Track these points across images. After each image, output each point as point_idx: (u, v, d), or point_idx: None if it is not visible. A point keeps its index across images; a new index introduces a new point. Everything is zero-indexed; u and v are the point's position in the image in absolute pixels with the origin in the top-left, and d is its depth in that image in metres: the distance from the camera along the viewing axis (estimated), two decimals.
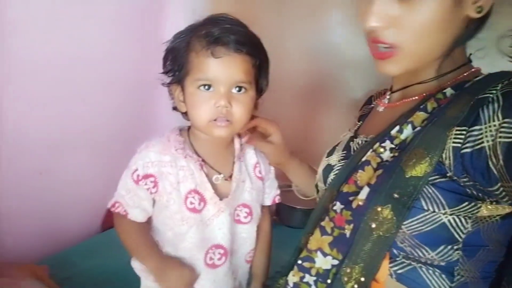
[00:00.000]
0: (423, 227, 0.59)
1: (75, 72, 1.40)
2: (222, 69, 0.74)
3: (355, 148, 0.74)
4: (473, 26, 0.64)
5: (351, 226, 0.63)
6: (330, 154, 0.83)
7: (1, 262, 1.13)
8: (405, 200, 0.59)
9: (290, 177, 1.02)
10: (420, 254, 0.61)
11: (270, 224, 0.98)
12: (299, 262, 0.69)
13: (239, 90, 0.78)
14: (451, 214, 0.59)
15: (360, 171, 0.66)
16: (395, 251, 0.62)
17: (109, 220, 1.55)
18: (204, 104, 0.76)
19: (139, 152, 0.83)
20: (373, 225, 0.60)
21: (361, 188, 0.64)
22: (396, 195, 0.59)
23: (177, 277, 0.79)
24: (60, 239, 1.38)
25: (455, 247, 0.60)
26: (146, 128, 1.74)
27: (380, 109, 0.76)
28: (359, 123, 0.84)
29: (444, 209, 0.58)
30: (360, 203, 0.63)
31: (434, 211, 0.59)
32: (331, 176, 0.76)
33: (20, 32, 1.19)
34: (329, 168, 0.79)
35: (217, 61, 0.74)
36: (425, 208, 0.59)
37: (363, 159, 0.67)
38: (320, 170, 0.83)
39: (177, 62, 0.80)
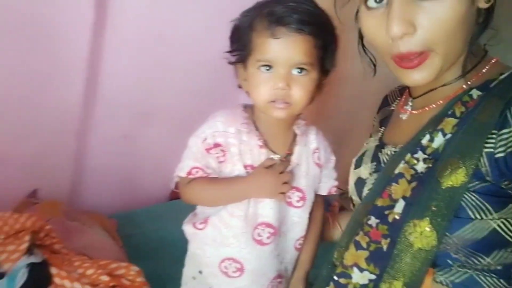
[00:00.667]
0: (475, 236, 0.58)
1: (167, 49, 1.49)
2: (281, 50, 0.74)
3: (385, 160, 0.72)
4: (483, 18, 0.62)
5: (388, 240, 0.63)
6: (357, 165, 0.79)
7: (76, 208, 1.26)
8: (444, 213, 0.58)
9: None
10: (476, 261, 0.60)
11: (322, 214, 0.95)
12: (335, 278, 0.69)
13: (300, 72, 0.76)
14: (499, 218, 0.58)
15: (394, 184, 0.64)
16: (449, 261, 0.61)
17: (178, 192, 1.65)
18: (264, 85, 0.76)
19: (207, 121, 0.86)
20: (412, 239, 0.59)
21: (395, 201, 0.63)
22: (433, 208, 0.58)
23: (271, 175, 0.79)
24: (132, 199, 1.50)
25: (509, 249, 0.60)
26: (226, 107, 1.79)
27: (404, 116, 0.73)
28: (382, 129, 0.79)
29: (491, 214, 0.57)
30: (396, 216, 0.62)
31: (482, 218, 0.57)
32: (365, 190, 0.73)
33: (122, 11, 1.30)
34: (360, 181, 0.76)
35: (277, 41, 0.73)
36: (472, 217, 0.58)
37: (396, 171, 0.65)
38: (351, 183, 0.80)
39: (240, 41, 0.80)
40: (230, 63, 0.85)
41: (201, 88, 1.67)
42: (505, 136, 0.55)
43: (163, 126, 1.58)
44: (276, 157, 0.84)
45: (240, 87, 0.88)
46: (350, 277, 0.67)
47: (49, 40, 1.17)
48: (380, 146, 0.75)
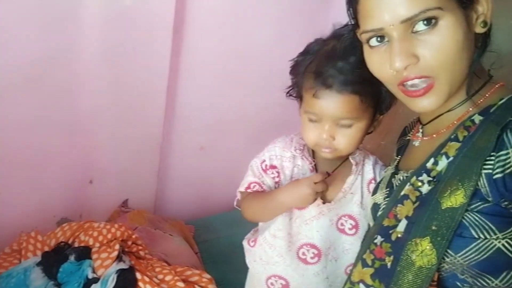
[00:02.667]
0: (479, 256, 0.59)
1: (240, 64, 1.59)
2: (325, 108, 0.78)
3: (397, 184, 0.74)
4: (480, 43, 0.63)
5: (391, 257, 0.65)
6: (375, 192, 0.81)
7: (159, 216, 1.42)
8: (444, 232, 0.59)
9: None
10: (484, 283, 0.60)
11: None
12: None
13: (345, 124, 0.80)
14: (503, 238, 0.58)
15: (399, 205, 0.67)
16: (458, 283, 0.61)
17: None
18: (311, 132, 0.82)
19: (268, 147, 0.94)
20: (414, 257, 0.61)
21: (400, 221, 0.65)
22: (434, 227, 0.60)
23: (304, 184, 0.81)
24: (209, 206, 1.63)
25: None
26: (296, 122, 1.82)
27: (416, 143, 0.75)
28: (398, 158, 0.80)
29: (495, 234, 0.58)
30: (399, 235, 0.64)
31: (486, 238, 0.58)
32: (379, 213, 0.74)
33: (195, 28, 1.41)
34: (376, 206, 0.77)
35: (320, 101, 0.77)
36: (476, 236, 0.58)
37: (402, 193, 0.68)
38: (368, 209, 0.82)
39: (295, 83, 0.86)
40: (289, 96, 0.91)
41: (273, 102, 1.72)
42: (503, 157, 0.56)
43: (237, 138, 1.68)
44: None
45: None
46: None
47: (133, 68, 1.33)
48: (395, 173, 0.77)
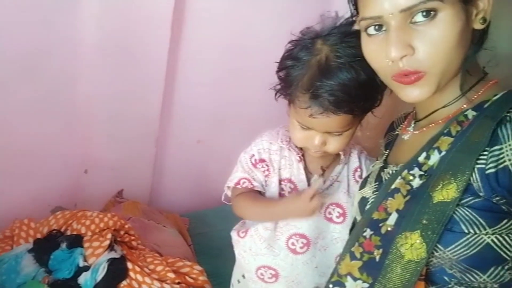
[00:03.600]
0: (468, 251, 0.59)
1: (238, 59, 1.58)
2: (319, 125, 0.79)
3: (386, 178, 0.73)
4: (477, 39, 0.63)
5: (380, 251, 0.65)
6: (362, 186, 0.80)
7: (153, 208, 1.42)
8: (434, 226, 0.59)
9: None
10: (472, 278, 0.60)
11: None
12: (330, 286, 0.73)
13: (337, 134, 0.81)
14: (493, 234, 0.58)
15: (390, 198, 0.66)
16: (446, 278, 0.62)
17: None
18: (301, 138, 0.83)
19: (255, 141, 0.95)
20: (403, 250, 0.61)
21: (390, 214, 0.65)
22: (424, 221, 0.60)
23: (301, 202, 0.81)
24: (204, 199, 1.62)
25: (506, 267, 0.60)
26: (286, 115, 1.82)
27: (405, 137, 0.75)
28: (386, 152, 0.80)
29: (485, 229, 0.58)
30: (389, 228, 0.64)
31: (475, 233, 0.58)
32: (367, 207, 0.74)
33: (194, 21, 1.41)
34: (364, 200, 0.77)
35: (315, 120, 0.77)
36: (466, 231, 0.59)
37: (393, 186, 0.67)
38: (355, 203, 0.81)
39: (286, 85, 0.82)
40: (276, 93, 0.87)
41: (271, 96, 1.71)
42: (496, 152, 0.56)
43: (234, 132, 1.68)
44: (316, 175, 0.88)
45: None
46: (344, 286, 0.70)
47: (131, 59, 1.33)
48: (383, 167, 0.77)
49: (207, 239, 1.43)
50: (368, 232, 0.68)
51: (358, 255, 0.69)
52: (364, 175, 0.91)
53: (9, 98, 1.18)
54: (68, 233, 1.11)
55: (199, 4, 1.39)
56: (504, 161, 0.55)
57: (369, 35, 0.65)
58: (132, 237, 1.17)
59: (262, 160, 0.90)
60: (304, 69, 0.78)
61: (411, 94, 0.64)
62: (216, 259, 1.31)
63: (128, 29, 1.27)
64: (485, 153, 0.57)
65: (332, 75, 0.74)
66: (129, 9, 1.24)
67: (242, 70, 1.61)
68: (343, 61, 0.74)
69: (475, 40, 0.63)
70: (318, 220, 0.88)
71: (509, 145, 0.56)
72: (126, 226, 1.16)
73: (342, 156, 0.90)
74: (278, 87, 0.85)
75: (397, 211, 0.64)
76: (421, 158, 0.65)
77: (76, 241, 1.07)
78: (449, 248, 0.59)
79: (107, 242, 1.06)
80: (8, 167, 1.26)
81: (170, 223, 1.37)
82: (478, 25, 0.62)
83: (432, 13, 0.58)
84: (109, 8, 1.20)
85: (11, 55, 1.14)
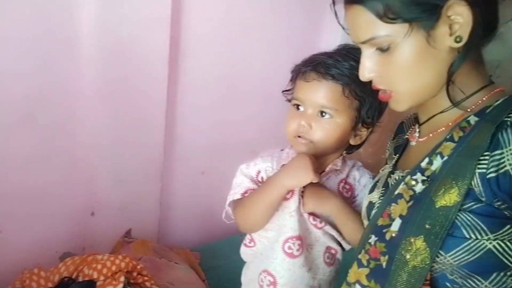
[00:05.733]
0: (469, 256, 0.59)
1: (236, 87, 1.60)
2: (309, 92, 0.82)
3: (392, 184, 0.75)
4: (464, 51, 0.64)
5: (386, 257, 0.65)
6: (371, 191, 0.81)
7: (164, 245, 1.39)
8: (437, 231, 0.59)
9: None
10: (473, 284, 0.60)
11: None
12: None
13: (323, 115, 0.82)
14: (495, 239, 0.58)
15: (393, 204, 0.68)
16: (448, 284, 0.61)
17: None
18: (292, 120, 0.85)
19: (262, 155, 0.95)
20: (408, 256, 0.61)
21: (393, 220, 0.66)
22: (427, 226, 0.60)
23: (298, 164, 0.81)
24: (213, 231, 1.60)
25: (508, 273, 0.59)
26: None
27: (413, 143, 0.77)
28: (395, 157, 0.81)
29: (486, 235, 0.58)
30: (393, 234, 0.65)
31: (477, 238, 0.58)
32: (373, 212, 0.75)
33: (190, 55, 1.43)
34: (371, 205, 0.78)
35: (307, 84, 0.82)
36: (467, 236, 0.59)
37: (396, 192, 0.69)
38: (363, 207, 0.82)
39: (291, 83, 0.89)
40: (287, 100, 0.92)
41: (271, 121, 1.73)
42: (497, 157, 0.57)
43: (237, 160, 1.67)
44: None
45: None
46: None
47: (131, 98, 1.33)
48: (391, 172, 0.78)
49: (221, 272, 1.40)
50: (373, 239, 0.69)
51: (365, 262, 0.69)
52: (356, 187, 0.93)
53: (9, 144, 1.17)
54: (80, 279, 1.08)
55: (194, 38, 1.42)
56: (505, 166, 0.56)
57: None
58: (146, 278, 1.14)
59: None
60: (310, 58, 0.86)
61: (391, 105, 0.72)
62: None
63: (127, 69, 1.28)
64: (486, 157, 0.58)
65: (337, 53, 0.83)
66: (127, 49, 1.26)
67: (241, 99, 1.62)
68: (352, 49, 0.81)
69: (462, 52, 0.64)
70: (301, 218, 0.87)
71: (510, 149, 0.56)
72: (139, 267, 1.13)
73: (328, 169, 0.89)
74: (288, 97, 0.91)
75: (401, 216, 0.65)
76: (423, 164, 0.67)
77: (89, 287, 1.04)
78: (450, 254, 0.59)
79: (121, 286, 1.03)
80: (12, 214, 1.24)
81: (182, 259, 1.34)
82: (454, 44, 0.62)
83: (385, 46, 0.64)
84: (107, 49, 1.21)
85: (11, 101, 1.14)
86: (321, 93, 0.81)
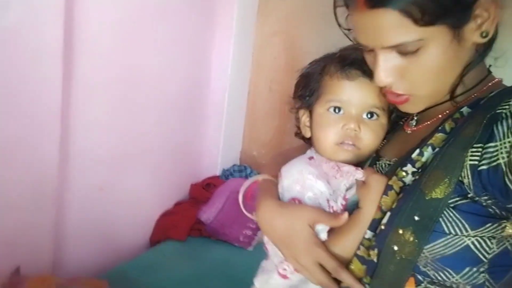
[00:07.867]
0: (445, 251, 0.59)
1: (135, 95, 1.47)
2: (355, 91, 0.72)
3: (380, 171, 0.73)
4: (482, 48, 0.64)
5: (376, 251, 0.63)
6: None
7: (65, 278, 1.17)
8: (426, 223, 0.59)
9: None
10: (444, 277, 0.61)
11: None
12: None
13: (371, 116, 0.74)
14: (474, 236, 0.58)
15: (384, 196, 0.65)
16: (419, 276, 0.62)
17: (157, 235, 1.60)
18: (332, 126, 0.74)
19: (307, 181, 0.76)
20: (396, 248, 0.60)
21: (385, 213, 0.64)
22: (417, 218, 0.59)
23: (381, 188, 0.68)
24: (116, 253, 1.44)
25: (481, 269, 0.59)
26: (194, 151, 1.80)
27: (408, 131, 0.74)
28: (383, 142, 0.79)
29: (466, 231, 0.58)
30: (383, 227, 0.63)
31: (456, 234, 0.58)
32: None
33: (84, 57, 1.24)
34: None
35: (351, 83, 0.72)
36: (447, 231, 0.58)
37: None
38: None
39: (309, 87, 0.78)
40: (293, 110, 0.83)
41: (172, 128, 1.64)
42: (491, 149, 0.55)
43: (137, 172, 1.53)
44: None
45: (297, 135, 0.85)
46: None
47: (18, 102, 1.08)
48: (376, 158, 0.76)
49: None
50: (369, 234, 0.66)
51: (367, 257, 0.66)
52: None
53: None
54: None
55: (88, 40, 1.24)
56: (498, 159, 0.54)
57: (368, 52, 0.66)
58: None
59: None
60: (325, 60, 0.76)
61: (402, 108, 0.68)
62: None
63: (11, 65, 1.03)
64: (479, 149, 0.56)
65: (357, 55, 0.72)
66: (15, 45, 1.01)
67: (137, 104, 1.49)
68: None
69: (480, 50, 0.63)
70: None
71: (504, 143, 0.54)
72: None
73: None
74: (298, 105, 0.80)
75: (390, 209, 0.63)
76: (414, 155, 0.65)
77: None
78: (427, 247, 0.59)
79: None
80: None
81: None
82: (479, 39, 0.61)
83: (413, 49, 0.60)
84: None
85: None
86: (370, 92, 0.72)
